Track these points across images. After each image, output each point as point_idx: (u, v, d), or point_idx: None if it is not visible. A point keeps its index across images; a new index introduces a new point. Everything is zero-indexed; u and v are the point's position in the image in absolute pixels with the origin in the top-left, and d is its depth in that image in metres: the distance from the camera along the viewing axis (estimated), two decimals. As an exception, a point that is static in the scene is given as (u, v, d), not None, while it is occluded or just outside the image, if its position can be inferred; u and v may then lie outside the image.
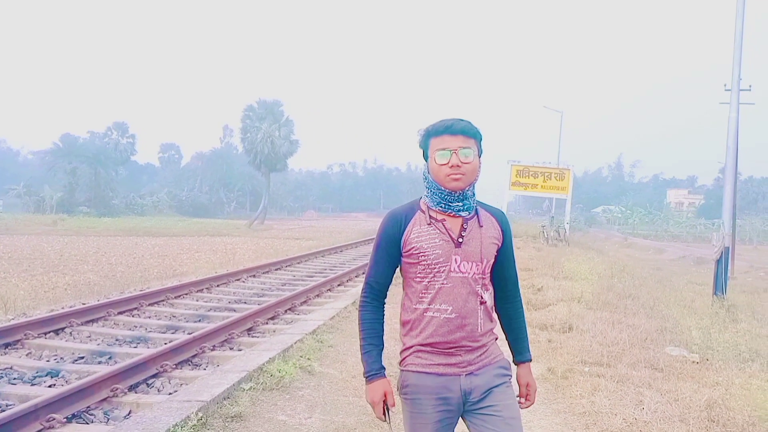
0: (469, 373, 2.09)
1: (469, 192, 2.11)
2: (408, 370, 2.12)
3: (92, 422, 4.58)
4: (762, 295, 15.07)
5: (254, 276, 13.07)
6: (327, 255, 19.25)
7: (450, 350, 2.08)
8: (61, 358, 6.32)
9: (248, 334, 7.64)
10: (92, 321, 7.81)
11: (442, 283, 2.07)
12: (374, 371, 2.12)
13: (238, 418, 4.13)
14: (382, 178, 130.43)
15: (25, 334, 6.74)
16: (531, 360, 2.32)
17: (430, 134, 2.11)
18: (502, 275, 2.25)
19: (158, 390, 5.42)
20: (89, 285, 11.82)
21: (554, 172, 28.45)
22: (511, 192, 28.95)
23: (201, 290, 10.72)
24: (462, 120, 2.09)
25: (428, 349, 2.09)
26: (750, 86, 30.99)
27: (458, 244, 2.08)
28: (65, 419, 4.42)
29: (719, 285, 11.23)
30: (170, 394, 5.12)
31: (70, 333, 7.29)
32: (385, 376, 2.13)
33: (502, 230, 2.20)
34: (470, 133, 2.07)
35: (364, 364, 2.14)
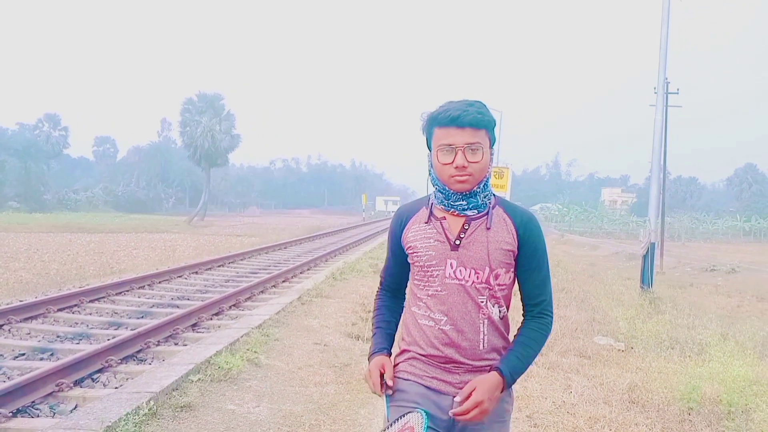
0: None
1: (477, 189, 1.86)
2: (399, 377, 1.93)
3: (38, 416, 4.60)
4: (687, 289, 16.00)
5: (197, 273, 12.99)
6: (271, 252, 19.22)
7: (446, 366, 1.87)
8: (1, 355, 6.23)
9: (193, 329, 7.67)
10: (31, 318, 7.68)
11: (437, 290, 1.87)
12: (375, 349, 2.00)
13: (188, 408, 4.25)
14: (326, 175, 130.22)
15: (-40, 332, 6.59)
16: (505, 378, 1.79)
17: (433, 123, 1.84)
18: (523, 290, 1.94)
19: (104, 384, 5.45)
20: (22, 283, 11.49)
21: (493, 171, 29.07)
22: (453, 190, 29.54)
23: (142, 287, 10.62)
24: (471, 105, 1.79)
25: (424, 359, 1.90)
26: (678, 89, 32.50)
27: (454, 247, 1.84)
28: (11, 414, 4.42)
29: (646, 278, 11.91)
30: (116, 388, 5.16)
31: (9, 330, 7.17)
32: (385, 354, 1.99)
33: (518, 235, 1.87)
34: (480, 124, 1.78)
35: (372, 344, 2.04)
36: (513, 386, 1.90)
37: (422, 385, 1.88)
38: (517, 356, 1.84)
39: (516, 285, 1.96)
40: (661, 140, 13.95)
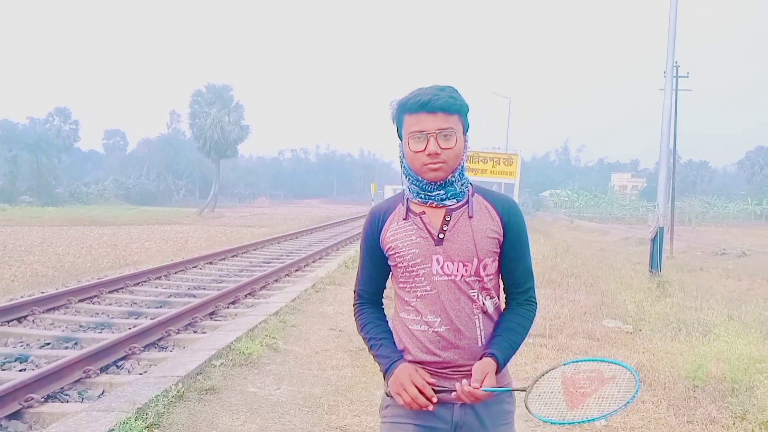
0: (465, 403, 1.71)
1: (453, 177, 1.76)
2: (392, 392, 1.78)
3: (68, 401, 4.81)
4: (697, 273, 16.10)
5: (211, 263, 13.22)
6: (282, 242, 19.45)
7: (443, 371, 1.75)
8: (28, 344, 6.47)
9: (211, 317, 7.89)
10: (54, 309, 7.91)
11: (425, 290, 1.75)
12: (393, 359, 1.78)
13: (212, 391, 4.45)
14: (334, 164, 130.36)
15: (-12, 322, 6.83)
16: (498, 365, 1.71)
17: (403, 110, 1.74)
18: (508, 279, 1.84)
19: (128, 371, 5.67)
20: (38, 276, 11.72)
21: (503, 158, 29.28)
22: (462, 177, 29.91)
23: (159, 277, 10.86)
24: (442, 90, 1.71)
25: (418, 367, 1.76)
26: (688, 73, 32.23)
27: (439, 241, 1.73)
28: (43, 399, 4.64)
29: (654, 263, 12.02)
30: (141, 374, 5.38)
31: (33, 320, 7.40)
32: (407, 361, 1.79)
33: (503, 222, 1.78)
34: (452, 108, 1.69)
35: (379, 359, 1.81)
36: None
37: None
38: (509, 343, 1.75)
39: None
40: (669, 125, 13.97)
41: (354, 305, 1.97)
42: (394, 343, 1.85)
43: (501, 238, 1.77)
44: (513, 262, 1.81)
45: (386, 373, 1.78)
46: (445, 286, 1.73)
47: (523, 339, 1.82)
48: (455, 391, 1.66)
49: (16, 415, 4.41)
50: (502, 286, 1.88)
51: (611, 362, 1.72)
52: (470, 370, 1.69)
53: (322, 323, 6.92)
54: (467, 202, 1.77)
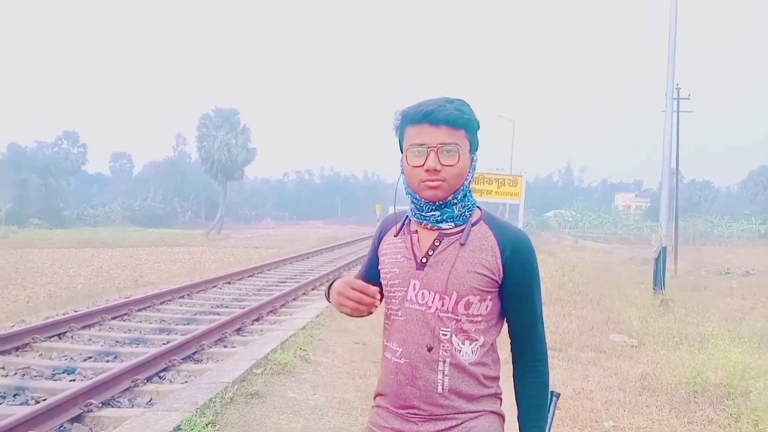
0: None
1: (454, 199, 1.58)
2: (368, 426, 1.69)
3: (120, 407, 5.26)
4: (701, 292, 16.43)
5: (229, 283, 13.70)
6: (294, 262, 19.95)
7: (401, 411, 1.58)
8: (72, 358, 6.92)
9: (238, 333, 8.35)
10: (89, 326, 8.38)
11: (396, 315, 1.60)
12: (332, 280, 1.72)
13: (257, 396, 4.92)
14: (339, 186, 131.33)
15: (33, 338, 7.30)
16: None
17: (406, 120, 1.59)
18: (509, 329, 1.63)
19: (170, 381, 6.11)
20: (51, 297, 11.85)
21: (507, 179, 29.75)
22: (468, 198, 30.52)
23: (183, 297, 11.34)
24: (449, 102, 1.54)
25: (384, 403, 1.64)
26: (689, 95, 32.84)
27: (420, 266, 1.57)
28: (101, 404, 5.10)
29: (658, 281, 12.43)
30: (183, 384, 5.83)
31: (72, 337, 7.87)
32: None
33: (503, 258, 1.55)
34: (457, 122, 1.53)
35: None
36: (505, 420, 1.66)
37: None
38: (533, 421, 1.61)
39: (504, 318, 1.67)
40: (671, 146, 14.48)
41: None
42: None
43: (496, 277, 1.55)
44: (514, 311, 1.61)
45: (327, 295, 1.73)
46: (415, 315, 1.56)
47: (545, 407, 1.65)
48: None
49: (77, 419, 4.86)
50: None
51: None
52: (428, 414, 1.55)
53: (347, 337, 7.39)
54: (465, 228, 1.59)
